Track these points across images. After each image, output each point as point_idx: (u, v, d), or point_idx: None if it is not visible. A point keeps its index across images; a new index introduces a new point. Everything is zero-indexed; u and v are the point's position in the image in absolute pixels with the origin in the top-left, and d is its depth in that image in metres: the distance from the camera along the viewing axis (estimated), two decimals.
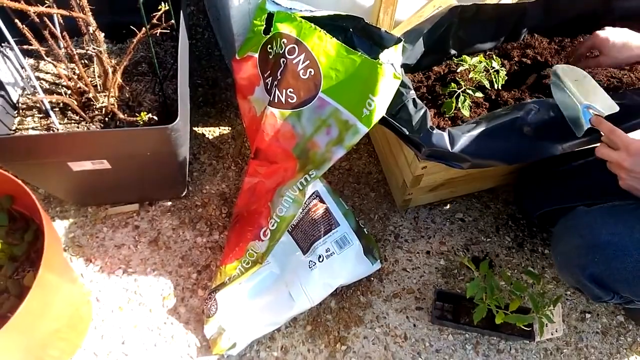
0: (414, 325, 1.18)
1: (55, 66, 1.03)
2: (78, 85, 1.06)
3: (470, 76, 1.08)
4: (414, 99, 0.98)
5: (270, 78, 1.07)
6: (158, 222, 1.29)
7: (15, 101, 1.10)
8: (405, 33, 1.06)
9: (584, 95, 0.96)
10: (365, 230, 1.22)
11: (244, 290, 1.13)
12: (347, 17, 1.00)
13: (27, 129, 1.07)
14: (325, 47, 0.98)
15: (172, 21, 0.95)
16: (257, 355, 1.12)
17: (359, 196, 1.38)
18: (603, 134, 0.92)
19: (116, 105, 1.06)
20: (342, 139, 0.98)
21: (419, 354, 1.15)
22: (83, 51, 1.09)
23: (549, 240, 1.33)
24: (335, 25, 1.01)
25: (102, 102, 1.07)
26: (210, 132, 1.47)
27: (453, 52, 1.17)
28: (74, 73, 1.07)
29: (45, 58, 1.02)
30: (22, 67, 1.11)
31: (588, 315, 1.22)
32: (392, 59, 0.96)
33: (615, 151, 0.89)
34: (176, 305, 1.18)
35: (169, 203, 1.33)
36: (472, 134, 0.97)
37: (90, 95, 1.06)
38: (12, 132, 1.06)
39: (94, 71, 1.13)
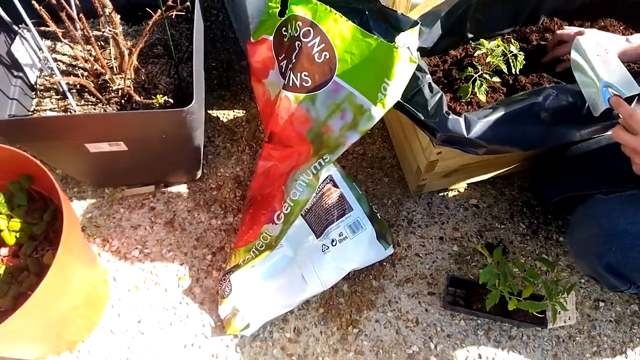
0: (426, 310, 1.19)
1: (72, 48, 1.04)
2: (94, 67, 1.07)
3: (487, 60, 1.07)
4: (429, 83, 0.97)
5: (285, 61, 1.07)
6: (173, 203, 1.31)
7: (33, 82, 1.11)
8: (422, 16, 1.05)
9: (605, 72, 0.91)
10: (378, 215, 1.22)
11: (258, 272, 1.15)
12: None
13: (45, 110, 1.08)
14: (340, 30, 0.97)
15: (187, 3, 0.95)
16: (270, 336, 1.14)
17: (372, 181, 1.37)
18: (621, 117, 0.89)
19: (132, 88, 1.07)
20: (357, 123, 0.97)
21: (430, 338, 1.15)
22: (99, 33, 1.10)
23: (564, 228, 1.32)
24: (351, 7, 1.00)
25: (118, 84, 1.08)
26: (225, 115, 1.48)
27: (470, 35, 1.16)
28: (90, 55, 1.07)
29: (62, 40, 1.03)
30: (40, 49, 1.12)
31: (602, 304, 1.21)
32: (408, 43, 0.95)
33: (632, 136, 0.85)
34: (191, 286, 1.20)
35: (184, 185, 1.34)
36: (488, 120, 0.96)
37: (107, 77, 1.07)
38: (30, 113, 1.08)
39: (110, 53, 1.13)
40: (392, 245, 1.22)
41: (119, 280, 1.20)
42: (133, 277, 1.21)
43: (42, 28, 0.99)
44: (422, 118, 0.97)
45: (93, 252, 1.21)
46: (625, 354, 1.15)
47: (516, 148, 1.01)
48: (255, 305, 1.13)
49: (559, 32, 1.10)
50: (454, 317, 1.18)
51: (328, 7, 0.99)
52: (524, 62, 1.09)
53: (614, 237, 0.88)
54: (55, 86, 1.11)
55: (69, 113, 1.07)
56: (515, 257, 1.27)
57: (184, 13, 1.00)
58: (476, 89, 1.04)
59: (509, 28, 1.18)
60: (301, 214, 1.14)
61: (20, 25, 1.08)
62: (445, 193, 1.36)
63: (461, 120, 0.95)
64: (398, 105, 0.98)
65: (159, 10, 0.93)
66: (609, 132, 1.04)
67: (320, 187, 1.16)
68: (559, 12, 1.19)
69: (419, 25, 0.97)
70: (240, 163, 1.39)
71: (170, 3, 0.94)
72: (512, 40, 1.11)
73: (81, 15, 0.99)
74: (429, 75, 0.98)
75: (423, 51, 1.09)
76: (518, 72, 1.09)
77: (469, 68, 1.06)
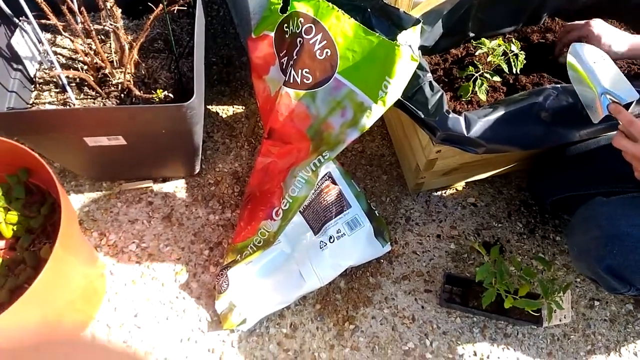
0: (422, 307, 1.19)
1: (72, 41, 1.04)
2: (94, 61, 1.07)
3: (488, 60, 1.07)
4: (430, 81, 0.97)
5: (286, 58, 1.07)
6: (171, 198, 1.31)
7: (32, 75, 1.11)
8: (424, 14, 1.05)
9: (603, 79, 0.90)
10: (376, 212, 1.22)
11: (255, 268, 1.15)
12: None
13: (44, 103, 1.08)
14: (342, 28, 0.97)
15: None
16: (267, 331, 1.14)
17: (371, 178, 1.38)
18: (621, 124, 0.89)
19: (132, 82, 1.06)
20: (357, 121, 0.97)
21: (426, 335, 1.16)
22: (100, 27, 1.09)
23: (560, 227, 1.32)
24: (353, 5, 1.00)
25: (118, 78, 1.07)
26: (224, 111, 1.47)
27: (472, 34, 1.16)
28: (91, 48, 1.07)
29: (63, 33, 1.02)
30: (40, 42, 1.11)
31: (597, 303, 1.22)
32: (410, 41, 0.95)
33: (633, 143, 0.85)
34: (188, 281, 1.20)
35: (182, 180, 1.34)
36: (488, 119, 0.96)
37: (107, 71, 1.07)
38: (29, 106, 1.07)
39: (110, 47, 1.13)
40: (389, 243, 1.23)
41: (116, 274, 1.20)
42: (130, 271, 1.21)
43: (43, 21, 0.98)
44: (423, 116, 0.97)
45: (90, 246, 1.21)
46: (620, 352, 1.16)
47: (516, 148, 1.01)
48: (252, 300, 1.13)
49: (568, 24, 1.09)
50: (450, 314, 1.19)
51: (330, 4, 0.98)
52: (525, 61, 1.09)
53: (615, 240, 0.88)
54: (54, 79, 1.10)
55: (68, 107, 1.06)
56: (512, 255, 1.27)
57: (185, 8, 1.00)
58: (477, 88, 1.04)
59: (510, 27, 1.19)
60: (299, 211, 1.14)
61: (20, 18, 1.08)
62: (444, 191, 1.36)
63: (461, 119, 0.95)
64: (398, 104, 0.99)
65: (161, 4, 0.93)
66: (609, 133, 1.05)
67: (319, 184, 1.17)
68: (561, 12, 1.20)
69: (420, 24, 0.97)
70: (239, 159, 1.39)
71: None
72: (514, 40, 1.11)
73: (82, 8, 0.99)
74: (429, 74, 0.98)
75: (424, 50, 1.10)
76: (519, 72, 1.09)
77: (470, 67, 1.06)
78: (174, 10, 0.97)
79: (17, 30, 1.08)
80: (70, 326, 1.09)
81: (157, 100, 1.03)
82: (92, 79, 1.05)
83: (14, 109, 1.03)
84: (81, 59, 1.09)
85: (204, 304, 1.17)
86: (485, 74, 1.05)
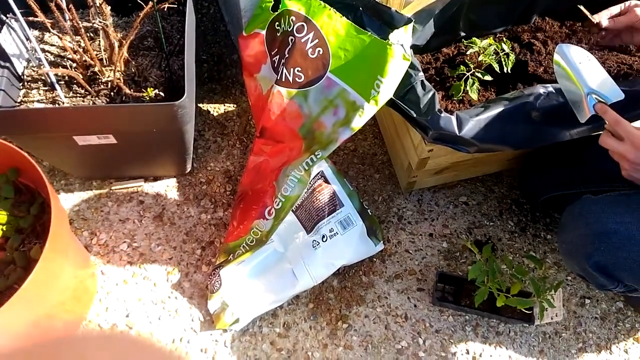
0: (415, 306, 1.19)
1: (61, 39, 1.02)
2: (83, 59, 1.05)
3: (479, 59, 1.07)
4: (422, 81, 0.97)
5: (278, 56, 1.06)
6: (163, 197, 1.30)
7: (20, 73, 1.09)
8: (415, 13, 1.05)
9: (589, 79, 0.92)
10: (369, 211, 1.22)
11: (248, 267, 1.14)
12: None
13: (33, 101, 1.06)
14: (334, 26, 0.97)
15: None
16: (260, 330, 1.14)
17: (363, 177, 1.38)
18: (607, 123, 0.90)
19: (122, 80, 1.05)
20: (349, 120, 0.97)
21: (419, 334, 1.16)
22: (89, 24, 1.08)
23: (551, 226, 1.33)
24: (345, 3, 0.99)
25: (108, 76, 1.06)
26: (215, 109, 1.46)
27: (463, 34, 1.16)
28: (80, 46, 1.06)
29: (51, 30, 1.01)
30: (28, 39, 1.10)
31: (588, 301, 1.23)
32: (401, 40, 0.95)
33: (619, 142, 0.86)
34: (180, 280, 1.19)
35: (174, 179, 1.33)
36: (480, 118, 0.96)
37: (96, 69, 1.05)
38: (17, 104, 1.06)
39: (99, 45, 1.12)
40: (382, 242, 1.23)
41: (107, 274, 1.19)
42: (121, 271, 1.20)
43: (31, 18, 0.97)
44: (414, 115, 0.97)
45: (81, 245, 1.20)
46: (610, 350, 1.17)
47: (507, 147, 1.01)
48: (245, 300, 1.13)
49: (606, 12, 1.08)
50: (442, 313, 1.19)
51: (322, 2, 0.98)
52: (516, 61, 1.10)
53: (603, 237, 0.89)
54: (43, 77, 1.09)
55: (57, 105, 1.05)
56: (503, 254, 1.28)
57: (175, 5, 0.99)
58: (468, 87, 1.04)
59: (501, 27, 1.19)
60: (292, 210, 1.14)
61: (7, 15, 1.06)
62: (436, 190, 1.37)
63: (453, 118, 0.95)
64: (390, 103, 0.98)
65: (151, 2, 0.92)
66: (598, 133, 1.05)
67: (312, 183, 1.16)
68: (550, 12, 1.20)
69: (412, 23, 0.97)
70: (231, 157, 1.38)
71: None
72: (504, 39, 1.11)
73: (71, 5, 0.98)
74: (421, 73, 0.98)
75: (416, 49, 1.09)
76: (509, 71, 1.09)
77: (461, 66, 1.06)
78: (164, 7, 0.96)
79: (4, 27, 1.06)
80: (61, 327, 1.08)
81: (148, 98, 1.02)
82: (81, 77, 1.03)
83: (2, 108, 1.01)
84: (70, 56, 1.07)
85: (197, 303, 1.16)
86: (477, 73, 1.05)
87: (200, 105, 1.46)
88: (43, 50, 1.11)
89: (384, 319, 1.17)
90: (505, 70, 1.08)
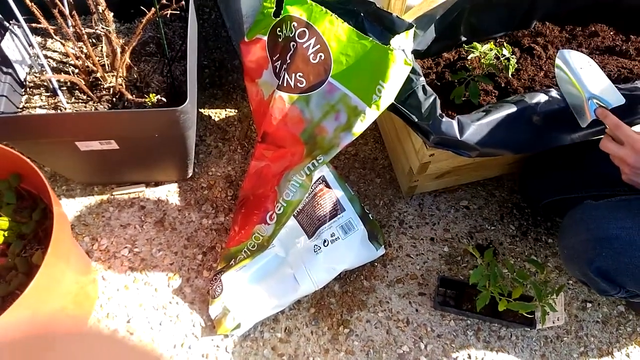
0: (416, 311, 1.19)
1: (63, 45, 1.03)
2: (86, 65, 1.06)
3: (480, 63, 1.08)
4: (423, 85, 0.98)
5: (280, 61, 1.07)
6: (164, 203, 1.30)
7: (22, 79, 1.10)
8: (416, 19, 1.05)
9: (590, 84, 0.93)
10: (370, 215, 1.22)
11: (249, 272, 1.14)
12: (359, 1, 0.99)
13: (35, 107, 1.07)
14: (336, 32, 0.97)
15: (183, 2, 0.94)
16: (261, 336, 1.14)
17: (364, 182, 1.38)
18: (608, 128, 0.91)
19: (124, 86, 1.06)
20: (351, 124, 0.97)
21: (420, 338, 1.16)
22: (91, 30, 1.08)
23: (552, 230, 1.33)
24: (346, 9, 1.00)
25: (110, 82, 1.07)
26: (217, 114, 1.47)
27: (463, 38, 1.16)
28: (82, 52, 1.06)
29: (54, 36, 1.02)
30: (30, 45, 1.10)
31: (589, 305, 1.23)
32: (403, 45, 0.95)
33: (620, 146, 0.87)
34: (181, 286, 1.19)
35: (175, 184, 1.33)
36: (481, 123, 0.96)
37: (98, 75, 1.06)
38: (19, 110, 1.06)
39: (101, 50, 1.12)
40: (383, 246, 1.23)
41: (108, 280, 1.19)
42: (122, 276, 1.20)
43: (34, 24, 0.97)
44: (416, 120, 0.97)
45: (82, 251, 1.20)
46: (612, 354, 1.17)
47: (508, 151, 1.02)
48: (246, 305, 1.13)
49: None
50: (444, 317, 1.19)
51: (324, 8, 0.99)
52: (516, 65, 1.10)
53: (605, 242, 0.89)
54: (45, 83, 1.09)
55: (59, 111, 1.05)
56: (504, 258, 1.28)
57: (177, 12, 1.00)
58: (469, 92, 1.05)
59: (501, 32, 1.20)
60: (293, 215, 1.14)
61: (11, 21, 1.07)
62: (437, 194, 1.37)
63: (454, 122, 0.96)
64: (392, 107, 0.99)
65: (153, 8, 0.92)
66: (599, 137, 1.06)
67: (313, 188, 1.17)
68: (550, 17, 1.21)
69: (413, 28, 0.98)
70: (232, 162, 1.38)
71: (164, 1, 0.93)
72: (505, 44, 1.12)
73: (73, 12, 0.98)
74: (422, 78, 0.99)
75: (417, 54, 1.10)
76: (510, 76, 1.10)
77: (462, 71, 1.07)
78: (167, 14, 0.96)
79: (7, 33, 1.07)
80: (61, 331, 1.07)
81: (150, 104, 1.03)
82: (83, 82, 1.04)
83: (4, 114, 1.02)
84: (72, 62, 1.08)
85: (198, 309, 1.16)
86: (478, 78, 1.06)
87: (202, 110, 1.46)
88: (45, 57, 1.12)
89: (385, 324, 1.17)
90: (506, 75, 1.09)
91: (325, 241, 1.14)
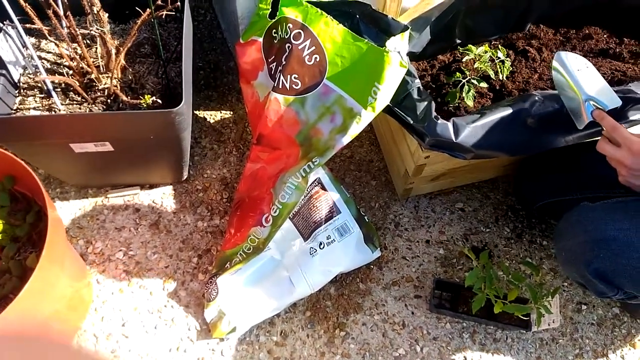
0: (412, 313, 1.19)
1: (58, 46, 1.02)
2: (80, 66, 1.05)
3: (475, 66, 1.08)
4: (418, 87, 0.98)
5: (275, 63, 1.07)
6: (159, 205, 1.29)
7: (16, 80, 1.09)
8: (412, 21, 1.06)
9: (587, 86, 0.93)
10: (365, 218, 1.22)
11: (245, 275, 1.14)
12: (354, 3, 0.99)
13: (29, 109, 1.06)
14: (331, 33, 0.97)
15: (178, 3, 0.94)
16: (257, 339, 1.13)
17: (360, 184, 1.38)
18: (604, 130, 0.91)
19: (119, 87, 1.05)
20: (346, 126, 0.97)
21: (416, 341, 1.16)
22: (86, 31, 1.08)
23: (547, 232, 1.34)
24: (342, 11, 1.00)
25: (105, 84, 1.06)
26: (212, 116, 1.46)
27: (458, 41, 1.17)
28: (76, 53, 1.06)
29: (48, 37, 1.01)
30: (24, 46, 1.10)
31: (584, 307, 1.23)
32: (398, 47, 0.95)
33: (616, 148, 0.88)
34: (177, 289, 1.18)
35: (170, 187, 1.33)
36: (476, 125, 0.97)
37: (93, 76, 1.05)
38: (13, 111, 1.05)
39: (96, 52, 1.11)
40: (379, 248, 1.23)
41: (103, 283, 1.18)
42: (117, 279, 1.19)
43: (28, 25, 0.97)
44: (411, 122, 0.97)
45: (77, 254, 1.19)
46: (607, 356, 1.17)
47: (503, 153, 1.02)
48: (242, 308, 1.12)
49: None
50: (439, 320, 1.19)
51: (319, 10, 0.99)
52: (511, 68, 1.11)
53: (602, 244, 0.89)
54: (39, 84, 1.08)
55: (53, 112, 1.05)
56: (500, 260, 1.28)
57: (172, 13, 0.99)
58: (464, 94, 1.05)
59: (496, 34, 1.20)
60: (289, 217, 1.13)
61: (4, 22, 1.06)
62: (432, 196, 1.37)
63: (450, 125, 0.96)
64: (387, 109, 0.99)
65: (148, 9, 0.92)
66: (594, 139, 1.06)
67: (308, 190, 1.16)
68: (545, 20, 1.21)
69: (409, 30, 0.98)
70: (227, 164, 1.38)
71: (159, 2, 0.93)
72: (500, 46, 1.12)
73: (68, 12, 0.98)
74: (418, 80, 0.99)
75: (412, 56, 1.10)
76: (505, 78, 1.10)
77: (457, 73, 1.07)
78: (162, 15, 0.96)
79: (1, 34, 1.06)
80: (55, 336, 1.07)
81: (145, 105, 1.02)
82: (77, 84, 1.03)
83: None
84: (67, 63, 1.07)
85: (193, 312, 1.16)
86: (472, 80, 1.06)
87: (197, 112, 1.46)
88: (40, 58, 1.11)
89: (381, 327, 1.17)
90: (500, 77, 1.09)
91: (321, 244, 1.14)
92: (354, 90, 0.96)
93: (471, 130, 0.96)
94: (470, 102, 1.05)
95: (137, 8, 0.98)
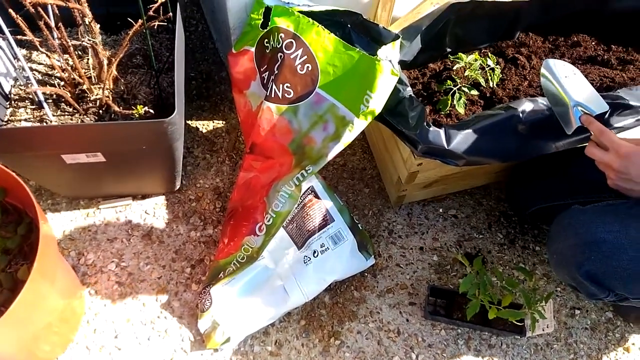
0: (407, 321, 1.19)
1: (49, 57, 1.02)
2: (72, 77, 1.05)
3: (465, 74, 1.09)
4: (410, 95, 0.99)
5: (267, 72, 1.07)
6: (151, 216, 1.29)
7: (7, 92, 1.08)
8: (403, 30, 1.07)
9: (574, 92, 0.95)
10: (359, 226, 1.22)
11: (239, 285, 1.13)
12: (345, 12, 1.00)
13: (20, 120, 1.05)
14: (323, 43, 0.98)
15: (170, 14, 0.94)
16: (251, 349, 1.12)
17: (353, 192, 1.38)
18: (592, 134, 0.93)
19: (111, 98, 1.05)
20: (339, 135, 0.98)
21: (411, 348, 1.15)
22: (78, 42, 1.08)
23: (540, 237, 1.34)
24: (333, 20, 1.01)
25: (97, 94, 1.06)
26: (204, 126, 1.46)
27: (449, 49, 1.18)
28: (68, 64, 1.05)
29: (40, 48, 1.01)
30: (15, 58, 1.09)
31: (578, 312, 1.23)
32: (390, 56, 0.96)
33: (604, 152, 0.89)
34: (170, 300, 1.17)
35: (162, 197, 1.32)
36: (468, 132, 0.97)
37: (85, 87, 1.05)
38: (4, 123, 1.05)
39: (88, 63, 1.11)
40: (373, 256, 1.23)
41: (95, 295, 1.17)
42: (109, 291, 1.18)
43: (19, 37, 0.96)
44: (404, 130, 0.98)
45: (69, 266, 1.18)
46: None
47: (495, 159, 1.03)
48: (236, 318, 1.11)
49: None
50: (434, 327, 1.19)
51: (311, 19, 0.99)
52: (501, 75, 1.12)
53: (593, 246, 0.90)
54: (30, 96, 1.08)
55: (44, 124, 1.04)
56: (493, 266, 1.29)
57: (164, 23, 1.00)
58: (455, 102, 1.06)
59: (486, 43, 1.21)
60: (282, 226, 1.13)
61: None
62: (425, 203, 1.37)
63: (442, 132, 0.97)
64: (379, 117, 0.99)
65: (140, 20, 0.92)
66: (584, 144, 1.07)
67: (302, 198, 1.16)
68: (534, 28, 1.23)
69: (400, 39, 0.99)
70: (220, 174, 1.38)
71: (151, 13, 0.93)
72: (490, 55, 1.14)
73: (59, 24, 0.98)
74: (409, 88, 1.00)
75: (403, 64, 1.11)
76: (495, 85, 1.11)
77: (448, 81, 1.08)
78: (154, 25, 0.96)
79: None
80: (48, 349, 1.05)
81: (137, 116, 1.02)
82: (69, 95, 1.03)
83: None
84: (58, 75, 1.07)
85: (187, 323, 1.15)
86: (463, 88, 1.07)
87: (189, 122, 1.46)
88: (31, 69, 1.11)
89: (376, 335, 1.17)
90: (491, 85, 1.10)
91: (314, 252, 1.14)
92: (346, 99, 0.97)
93: (463, 137, 0.97)
94: (461, 110, 1.06)
95: (129, 19, 0.98)
